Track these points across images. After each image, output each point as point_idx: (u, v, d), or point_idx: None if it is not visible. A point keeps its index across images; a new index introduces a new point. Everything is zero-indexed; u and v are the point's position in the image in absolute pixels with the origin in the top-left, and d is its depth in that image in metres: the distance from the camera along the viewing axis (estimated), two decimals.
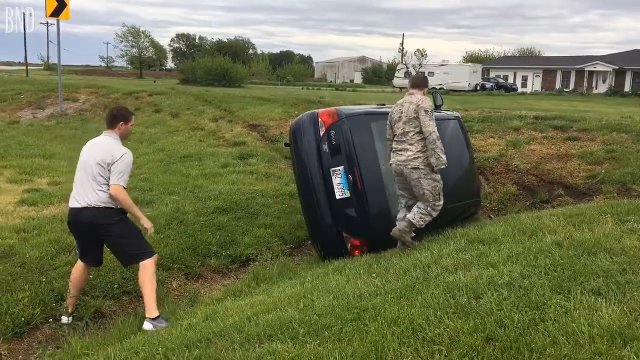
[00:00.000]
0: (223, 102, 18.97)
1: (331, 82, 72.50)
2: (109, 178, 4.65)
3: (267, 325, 3.68)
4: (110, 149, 4.73)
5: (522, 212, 7.88)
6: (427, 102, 5.67)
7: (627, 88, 49.91)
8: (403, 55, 54.91)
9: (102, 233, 4.82)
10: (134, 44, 64.16)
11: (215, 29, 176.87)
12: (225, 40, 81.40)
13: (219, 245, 6.97)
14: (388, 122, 5.93)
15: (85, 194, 4.72)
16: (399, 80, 48.54)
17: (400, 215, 5.87)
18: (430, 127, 5.51)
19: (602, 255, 4.21)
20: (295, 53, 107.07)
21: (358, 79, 77.80)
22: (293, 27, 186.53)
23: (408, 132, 5.62)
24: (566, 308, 3.35)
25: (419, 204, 5.68)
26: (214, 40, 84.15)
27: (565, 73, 55.57)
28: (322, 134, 6.44)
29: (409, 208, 5.82)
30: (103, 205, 4.69)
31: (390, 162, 5.85)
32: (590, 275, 3.84)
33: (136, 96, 21.07)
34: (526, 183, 9.43)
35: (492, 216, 8.43)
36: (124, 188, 4.70)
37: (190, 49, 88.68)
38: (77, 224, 4.86)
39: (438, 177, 5.65)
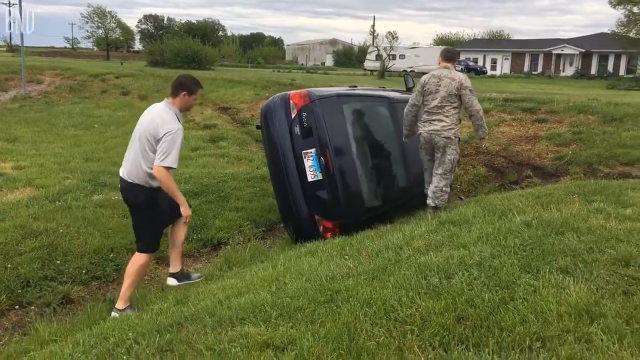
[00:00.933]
0: None
1: (302, 64, 72.07)
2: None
3: (239, 308, 3.65)
4: (160, 121, 4.37)
5: (492, 193, 7.99)
6: (468, 80, 6.00)
7: (593, 70, 50.83)
8: (374, 38, 54.73)
9: (130, 205, 4.66)
10: (99, 24, 62.67)
11: (183, 9, 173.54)
12: (194, 22, 80.00)
13: (190, 229, 6.84)
14: (419, 89, 6.12)
15: (126, 163, 4.54)
16: (370, 62, 48.41)
17: (428, 179, 6.26)
18: (477, 105, 5.99)
19: (569, 234, 4.29)
20: (266, 35, 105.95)
21: (329, 61, 77.53)
22: (263, 9, 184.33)
23: (445, 106, 5.92)
24: (535, 286, 3.41)
25: (432, 186, 6.06)
26: (183, 22, 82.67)
27: (534, 56, 56.27)
28: (293, 115, 6.39)
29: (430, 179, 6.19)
30: (136, 181, 4.45)
31: (419, 132, 6.11)
32: (558, 254, 3.90)
33: (102, 78, 20.63)
34: (495, 164, 9.56)
35: (462, 197, 8.52)
36: (170, 168, 4.35)
37: (158, 30, 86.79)
38: (121, 192, 4.72)
39: (458, 150, 6.11)
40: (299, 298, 3.65)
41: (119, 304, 4.59)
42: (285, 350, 2.97)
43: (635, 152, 8.82)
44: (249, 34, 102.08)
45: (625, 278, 3.48)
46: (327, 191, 6.25)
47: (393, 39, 44.33)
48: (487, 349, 2.80)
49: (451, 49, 6.57)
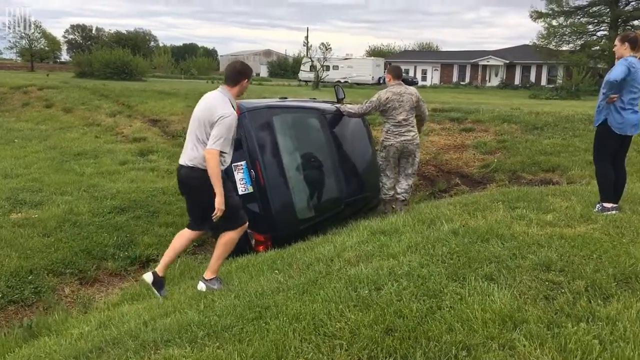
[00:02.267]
0: (121, 96, 18.18)
1: None
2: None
3: (164, 330, 3.51)
4: (215, 107, 4.36)
5: (422, 201, 8.13)
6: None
7: (517, 81, 53.11)
8: (308, 49, 55.18)
9: (197, 193, 4.48)
10: (23, 34, 59.90)
11: (112, 19, 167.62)
12: (124, 32, 78.01)
13: (116, 247, 6.63)
14: (375, 105, 6.79)
15: (185, 150, 4.49)
16: (305, 73, 48.70)
17: (388, 185, 6.95)
18: (427, 110, 7.16)
19: (493, 241, 4.39)
20: (199, 45, 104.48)
21: (264, 72, 77.33)
22: (195, 19, 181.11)
23: (409, 118, 6.76)
24: (461, 294, 3.45)
25: (404, 184, 6.94)
26: (112, 32, 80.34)
27: (461, 67, 58.20)
28: None
29: (392, 183, 6.96)
30: (197, 165, 4.37)
31: (392, 143, 6.74)
32: (483, 261, 3.98)
33: (25, 90, 19.71)
34: (426, 173, 9.75)
35: (394, 206, 8.61)
36: (222, 153, 4.32)
37: (86, 40, 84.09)
38: (177, 180, 4.66)
39: None
40: (227, 316, 3.55)
41: (207, 274, 4.55)
42: None
43: (555, 159, 9.23)
44: (181, 44, 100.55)
45: (547, 283, 3.59)
46: (259, 204, 6.15)
47: (326, 50, 44.80)
48: None
49: (399, 68, 7.35)
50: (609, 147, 5.32)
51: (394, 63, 61.74)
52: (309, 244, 5.57)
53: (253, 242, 6.17)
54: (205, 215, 4.44)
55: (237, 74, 4.55)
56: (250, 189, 6.15)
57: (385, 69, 54.93)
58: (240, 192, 6.16)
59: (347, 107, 7.21)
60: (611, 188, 5.33)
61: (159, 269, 4.70)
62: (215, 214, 4.29)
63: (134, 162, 11.08)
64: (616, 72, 5.04)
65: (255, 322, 3.39)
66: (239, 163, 6.16)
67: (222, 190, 4.31)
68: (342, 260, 4.47)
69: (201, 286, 4.51)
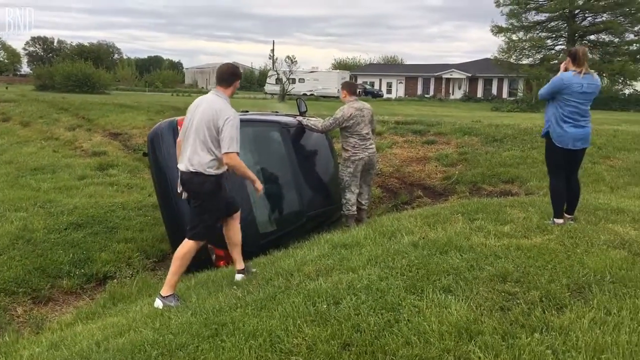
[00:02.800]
0: (81, 109, 17.84)
1: (202, 88, 71.11)
2: (218, 143, 4.36)
3: (116, 350, 3.41)
4: (219, 110, 4.39)
5: (385, 213, 8.15)
6: None
7: (479, 94, 54.16)
8: (273, 62, 55.31)
9: (194, 195, 4.54)
10: None
11: (74, 31, 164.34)
12: (87, 44, 76.79)
13: (72, 264, 6.44)
14: (339, 121, 6.99)
15: (185, 156, 4.50)
16: (271, 86, 48.74)
17: (353, 200, 7.20)
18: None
19: (452, 253, 4.42)
20: (164, 58, 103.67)
21: None
22: (160, 32, 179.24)
23: (369, 132, 7.13)
24: (419, 307, 3.45)
25: (366, 195, 7.37)
26: (74, 44, 78.99)
27: (425, 80, 59.10)
28: None
29: (358, 195, 7.25)
30: (199, 170, 4.40)
31: (361, 157, 7.03)
32: (442, 273, 4.00)
33: None
34: (389, 185, 9.81)
35: (357, 219, 8.62)
36: (237, 153, 4.38)
37: (47, 52, 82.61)
38: (182, 186, 4.63)
39: None
40: (183, 334, 3.48)
41: (164, 291, 4.49)
42: None
43: (514, 170, 9.40)
44: (146, 57, 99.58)
45: (503, 294, 3.62)
46: None
47: (292, 63, 44.90)
48: None
49: (353, 84, 7.72)
50: (555, 160, 5.41)
51: (358, 75, 62.41)
52: (269, 258, 5.52)
53: (214, 257, 6.08)
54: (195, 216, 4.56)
55: (230, 75, 4.64)
56: None
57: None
58: None
59: (310, 123, 7.21)
60: (561, 203, 5.41)
61: (237, 265, 4.87)
62: (259, 192, 4.83)
63: (93, 176, 10.84)
64: (542, 90, 5.37)
65: (211, 340, 3.32)
66: None
67: (255, 176, 4.69)
68: (301, 275, 4.43)
69: (158, 303, 4.43)
